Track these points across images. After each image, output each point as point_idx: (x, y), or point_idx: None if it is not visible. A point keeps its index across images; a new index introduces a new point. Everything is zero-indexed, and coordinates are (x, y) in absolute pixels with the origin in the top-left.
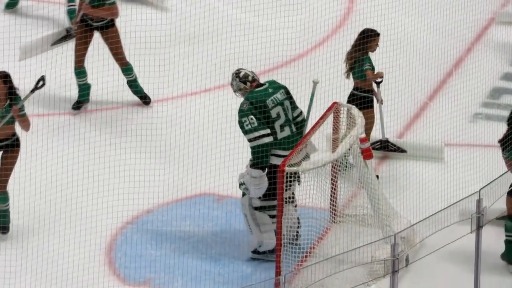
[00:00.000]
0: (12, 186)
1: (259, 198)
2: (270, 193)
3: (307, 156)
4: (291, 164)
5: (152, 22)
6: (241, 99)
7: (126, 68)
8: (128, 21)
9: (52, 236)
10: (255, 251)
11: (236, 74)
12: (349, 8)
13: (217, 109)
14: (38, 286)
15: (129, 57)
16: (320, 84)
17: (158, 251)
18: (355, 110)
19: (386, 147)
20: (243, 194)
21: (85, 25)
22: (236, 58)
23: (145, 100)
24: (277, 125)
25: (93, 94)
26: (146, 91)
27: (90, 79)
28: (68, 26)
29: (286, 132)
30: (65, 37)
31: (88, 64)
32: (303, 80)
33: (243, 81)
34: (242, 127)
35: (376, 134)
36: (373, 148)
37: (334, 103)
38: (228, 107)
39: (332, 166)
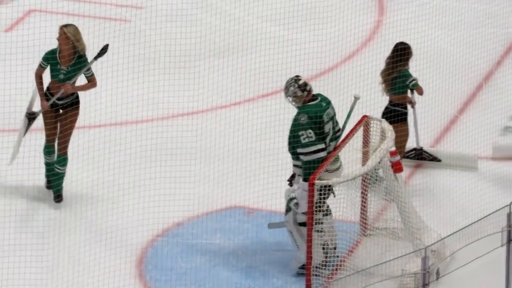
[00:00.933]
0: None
1: (304, 213)
2: (315, 208)
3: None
4: (321, 178)
5: (182, 35)
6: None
7: (64, 159)
8: (159, 34)
9: (83, 248)
10: (302, 267)
11: (296, 80)
12: (379, 22)
13: (247, 122)
14: None
15: (160, 70)
16: (349, 98)
17: (189, 264)
18: (385, 124)
19: (421, 155)
20: (286, 212)
21: (52, 105)
22: (266, 72)
23: (57, 199)
24: (327, 140)
25: (124, 107)
26: (176, 104)
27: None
28: (27, 112)
29: (332, 146)
30: (30, 122)
31: (117, 77)
32: (332, 94)
33: (302, 89)
34: (298, 140)
35: (410, 143)
36: (407, 157)
37: (364, 116)
38: (258, 120)
39: (363, 180)
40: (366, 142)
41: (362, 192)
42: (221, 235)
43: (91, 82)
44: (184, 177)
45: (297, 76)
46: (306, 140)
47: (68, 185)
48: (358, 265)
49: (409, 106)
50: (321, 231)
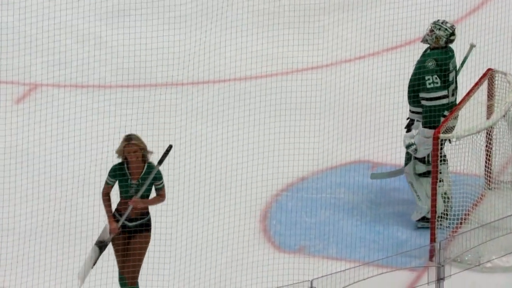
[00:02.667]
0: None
1: (424, 163)
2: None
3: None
4: (446, 130)
5: None
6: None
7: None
8: None
9: (207, 204)
10: (423, 219)
11: (453, 32)
12: None
13: (371, 76)
14: (194, 253)
15: (284, 25)
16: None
17: (313, 218)
18: (510, 77)
19: None
20: (405, 163)
21: (121, 227)
22: (390, 25)
23: None
24: (450, 89)
25: (248, 62)
26: (300, 58)
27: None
28: (98, 240)
29: (453, 97)
30: (101, 251)
31: (241, 32)
32: (457, 47)
33: (446, 40)
34: (423, 83)
35: None
36: None
37: (489, 69)
38: (382, 74)
39: (487, 133)
40: (490, 95)
41: (486, 146)
42: (345, 189)
43: (162, 195)
44: (308, 131)
45: (454, 26)
46: (432, 85)
47: (192, 139)
48: (482, 219)
49: None
50: (441, 181)
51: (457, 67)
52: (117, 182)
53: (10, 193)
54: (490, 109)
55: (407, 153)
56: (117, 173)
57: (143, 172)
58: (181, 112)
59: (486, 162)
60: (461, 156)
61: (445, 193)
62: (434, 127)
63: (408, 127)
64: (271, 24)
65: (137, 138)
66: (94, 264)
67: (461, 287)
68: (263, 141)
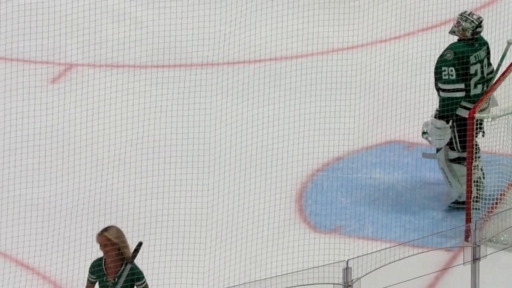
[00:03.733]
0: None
1: (456, 150)
2: (465, 143)
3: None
4: (481, 110)
5: None
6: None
7: None
8: None
9: (242, 184)
10: (454, 203)
11: (479, 24)
12: None
13: (407, 56)
14: (230, 232)
15: (319, 4)
16: (507, 32)
17: (348, 198)
18: None
19: None
20: (437, 149)
21: None
22: (426, 5)
23: None
24: (472, 82)
25: (284, 42)
26: (335, 38)
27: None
28: None
29: (479, 89)
30: None
31: (277, 12)
32: (495, 26)
33: (473, 32)
34: (439, 74)
35: None
36: None
37: None
38: (418, 54)
39: None
40: None
41: None
42: (381, 169)
43: None
44: (344, 111)
45: (481, 18)
46: (447, 77)
47: (228, 119)
48: None
49: None
50: (474, 168)
51: (485, 60)
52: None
53: (46, 173)
54: None
55: None
56: (95, 269)
57: (120, 270)
58: (217, 92)
59: None
60: (497, 136)
61: (478, 179)
62: (446, 118)
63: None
64: (307, 3)
65: (112, 231)
66: None
67: (497, 267)
68: (298, 121)
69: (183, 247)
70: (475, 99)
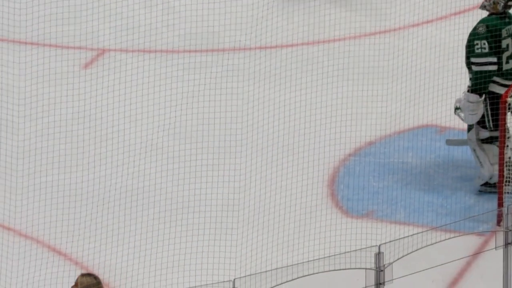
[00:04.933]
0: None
1: (488, 129)
2: (497, 121)
3: None
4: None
5: None
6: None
7: None
8: None
9: (274, 168)
10: (485, 184)
11: None
12: None
13: (440, 40)
14: (262, 218)
15: None
16: None
17: (381, 183)
18: None
19: None
20: (468, 129)
21: None
22: None
23: None
24: (504, 56)
25: (316, 27)
26: (368, 23)
27: (304, 14)
28: None
29: (511, 64)
30: None
31: None
32: None
33: (504, 6)
34: (471, 48)
35: None
36: None
37: None
38: (450, 39)
39: None
40: None
41: None
42: (413, 153)
43: None
44: (376, 96)
45: None
46: (479, 50)
47: (260, 104)
48: None
49: None
50: (506, 147)
51: None
52: None
53: (78, 159)
54: None
55: None
56: None
57: None
58: (249, 77)
59: None
60: None
61: (508, 160)
62: (479, 93)
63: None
64: None
65: (87, 280)
66: None
67: None
68: (331, 106)
69: (215, 232)
70: (508, 75)
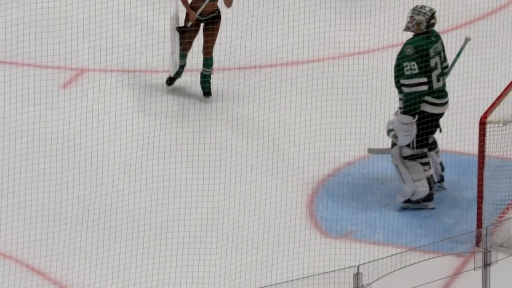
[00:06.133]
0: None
1: (411, 146)
2: (421, 141)
3: None
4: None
5: None
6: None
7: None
8: None
9: (254, 188)
10: (407, 201)
11: (432, 15)
12: None
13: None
14: (241, 237)
15: (331, 10)
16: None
17: (359, 203)
18: None
19: None
20: (393, 145)
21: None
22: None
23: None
24: (434, 74)
25: (295, 47)
26: (346, 44)
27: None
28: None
29: (441, 83)
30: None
31: (288, 17)
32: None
33: (427, 25)
34: (401, 70)
35: None
36: None
37: None
38: None
39: None
40: None
41: None
42: (392, 174)
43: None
44: (355, 116)
45: (433, 9)
46: (409, 72)
47: (239, 124)
48: None
49: None
50: (427, 164)
51: (442, 52)
52: None
53: (57, 178)
54: None
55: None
56: None
57: None
58: (228, 98)
59: None
60: (508, 141)
61: (431, 177)
62: (412, 113)
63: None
64: (318, 8)
65: None
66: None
67: (508, 272)
68: (309, 126)
69: (194, 252)
70: (439, 94)
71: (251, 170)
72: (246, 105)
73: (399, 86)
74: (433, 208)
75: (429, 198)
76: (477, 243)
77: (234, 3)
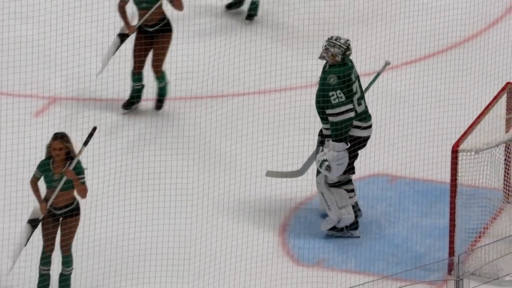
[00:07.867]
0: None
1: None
2: (347, 165)
3: None
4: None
5: (325, 3)
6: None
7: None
8: (302, 1)
9: (226, 217)
10: (333, 228)
11: (347, 48)
12: None
13: (390, 90)
14: (213, 266)
15: (303, 38)
16: (496, 64)
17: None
18: None
19: None
20: (318, 173)
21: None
22: (409, 39)
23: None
24: (355, 99)
25: (267, 76)
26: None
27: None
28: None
29: (362, 106)
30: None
31: (260, 46)
32: (475, 62)
33: (343, 57)
34: (328, 101)
35: None
36: None
37: (508, 83)
38: (402, 88)
39: (506, 146)
40: (509, 108)
41: (505, 159)
42: (364, 202)
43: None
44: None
45: (348, 41)
46: (337, 101)
47: (212, 153)
48: (501, 232)
49: None
50: (352, 191)
51: (358, 76)
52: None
53: (29, 206)
54: (509, 123)
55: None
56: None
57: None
58: (200, 126)
59: (505, 175)
60: (480, 170)
61: (356, 204)
62: (344, 141)
63: (321, 144)
64: (290, 38)
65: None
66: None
67: None
68: (282, 155)
69: (166, 280)
70: (362, 116)
71: (223, 199)
72: (218, 134)
73: (323, 115)
74: (358, 237)
75: (355, 226)
76: (449, 271)
77: (206, 31)
